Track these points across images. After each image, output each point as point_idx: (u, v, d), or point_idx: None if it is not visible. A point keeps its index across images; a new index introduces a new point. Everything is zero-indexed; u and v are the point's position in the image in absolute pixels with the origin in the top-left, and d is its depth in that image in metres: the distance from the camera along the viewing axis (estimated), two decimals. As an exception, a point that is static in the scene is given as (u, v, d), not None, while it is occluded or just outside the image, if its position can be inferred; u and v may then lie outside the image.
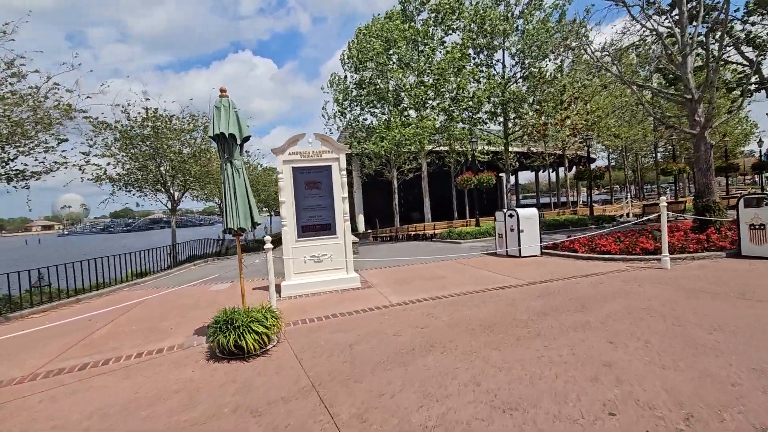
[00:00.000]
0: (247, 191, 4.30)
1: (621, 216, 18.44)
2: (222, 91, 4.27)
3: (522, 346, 3.73)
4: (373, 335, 4.38)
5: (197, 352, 4.30)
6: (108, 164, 11.85)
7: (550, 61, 21.54)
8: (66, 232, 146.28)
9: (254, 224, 4.40)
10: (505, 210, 9.55)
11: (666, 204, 6.84)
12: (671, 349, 3.43)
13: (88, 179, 11.57)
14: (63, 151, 7.63)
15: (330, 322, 5.01)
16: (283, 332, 4.74)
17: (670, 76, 12.23)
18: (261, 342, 4.05)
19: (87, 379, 3.82)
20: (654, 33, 9.34)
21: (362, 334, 4.45)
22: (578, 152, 32.07)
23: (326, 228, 7.00)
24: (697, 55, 10.57)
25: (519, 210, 9.10)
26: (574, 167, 41.08)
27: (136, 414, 3.05)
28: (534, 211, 9.23)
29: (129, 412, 3.10)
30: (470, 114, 21.74)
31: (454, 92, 19.82)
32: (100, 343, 4.91)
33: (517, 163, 28.80)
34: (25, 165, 7.61)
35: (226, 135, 4.13)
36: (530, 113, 21.16)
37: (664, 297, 5.01)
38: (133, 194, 12.72)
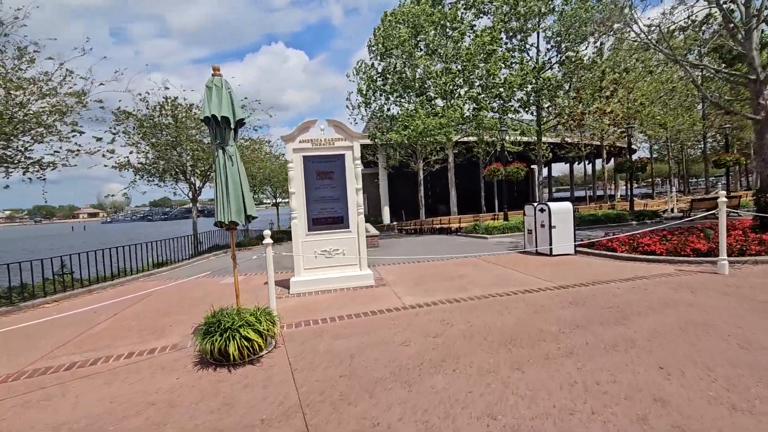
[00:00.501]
0: (241, 181, 3.89)
1: (665, 212, 17.05)
2: (215, 69, 3.85)
3: (550, 368, 3.14)
4: (379, 344, 3.89)
5: (188, 355, 3.97)
6: (130, 153, 11.95)
7: (589, 44, 20.12)
8: (109, 220, 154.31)
9: (248, 218, 3.98)
10: (535, 204, 8.79)
11: (726, 199, 5.93)
12: (741, 381, 2.75)
13: (112, 167, 11.72)
14: (74, 135, 7.54)
15: (335, 326, 4.57)
16: (282, 335, 4.35)
17: (728, 55, 10.93)
18: (252, 348, 3.65)
19: (68, 382, 3.55)
20: (714, 3, 8.21)
21: (367, 341, 3.98)
22: (617, 143, 30.17)
23: (338, 221, 6.55)
24: (762, 32, 9.31)
25: (551, 204, 8.33)
26: (612, 159, 38.90)
27: (102, 430, 2.72)
28: (568, 205, 8.43)
29: (96, 427, 2.77)
30: (501, 102, 20.69)
31: (484, 79, 18.84)
32: (95, 339, 4.69)
33: (550, 155, 27.39)
34: (42, 157, 7.59)
35: (218, 118, 3.72)
36: (566, 101, 19.86)
37: (725, 309, 4.24)
38: (155, 183, 12.80)
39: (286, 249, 7.84)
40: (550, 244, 8.19)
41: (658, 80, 22.22)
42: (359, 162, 6.60)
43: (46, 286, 7.10)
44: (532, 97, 21.09)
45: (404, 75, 19.64)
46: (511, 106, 20.64)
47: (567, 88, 20.60)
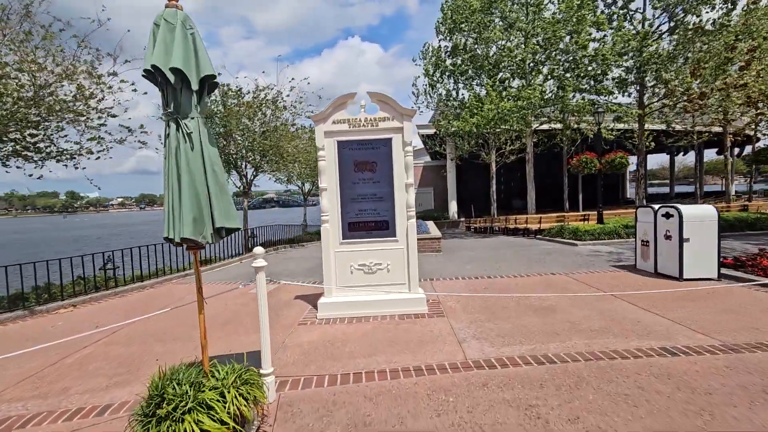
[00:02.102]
0: (208, 175, 2.48)
1: (824, 216, 12.90)
2: (169, -2, 2.45)
3: None
4: (417, 453, 2.27)
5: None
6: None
7: (716, 5, 16.19)
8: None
9: (219, 232, 2.56)
10: (655, 206, 6.45)
11: None
12: None
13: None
14: (103, 125, 6.87)
15: (357, 393, 3.03)
16: (279, 402, 2.92)
17: None
18: (208, 447, 2.24)
19: (-37, 463, 2.45)
20: None
21: (398, 444, 2.38)
22: (746, 129, 24.72)
23: (381, 227, 5.00)
24: None
25: (683, 207, 5.95)
26: (731, 148, 32.40)
27: None
28: (709, 209, 5.98)
29: None
30: (592, 81, 17.47)
31: (571, 52, 15.89)
32: (60, 376, 3.68)
33: (652, 144, 23.14)
34: (77, 144, 7.05)
35: (166, 72, 2.33)
36: (680, 77, 16.12)
37: None
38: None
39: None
40: (681, 263, 5.85)
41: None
42: (411, 149, 4.96)
43: (73, 287, 6.55)
44: (632, 75, 17.61)
45: (475, 53, 17.37)
46: (604, 86, 17.33)
47: (682, 60, 16.78)
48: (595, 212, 12.17)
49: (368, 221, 5.00)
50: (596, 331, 3.99)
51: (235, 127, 10.80)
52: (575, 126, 17.96)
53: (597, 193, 12.93)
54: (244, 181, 12.55)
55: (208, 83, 2.58)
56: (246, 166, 12.29)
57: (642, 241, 6.72)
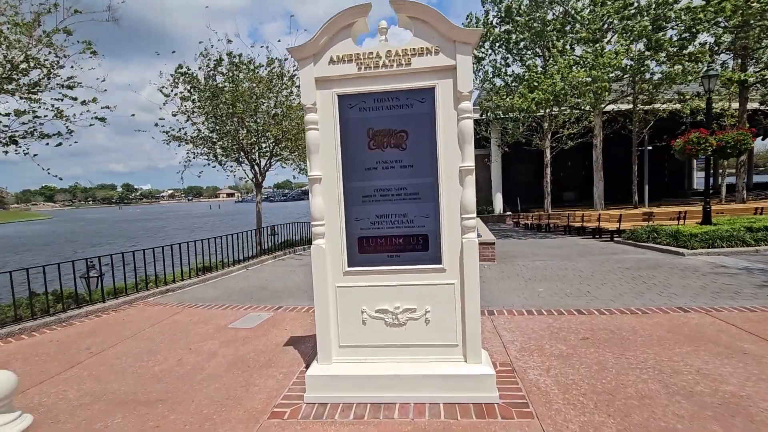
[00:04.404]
0: None
1: None
2: None
3: None
4: None
5: None
6: (185, 125, 9.88)
7: None
8: (241, 200, 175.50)
9: None
10: None
11: None
12: None
13: (163, 140, 9.88)
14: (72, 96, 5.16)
15: None
16: None
17: None
18: None
19: None
20: None
21: None
22: None
23: (417, 245, 2.84)
24: None
25: None
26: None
27: None
28: None
29: None
30: (676, 48, 14.17)
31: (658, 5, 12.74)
32: None
33: (746, 124, 19.31)
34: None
35: None
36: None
37: None
38: (212, 165, 10.58)
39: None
40: None
41: None
42: (470, 106, 2.75)
43: (19, 310, 4.94)
44: (734, 36, 14.16)
45: (531, 18, 14.56)
46: (689, 54, 13.96)
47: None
48: (704, 210, 9.06)
49: (393, 235, 2.86)
50: None
51: (243, 111, 8.94)
52: (662, 105, 14.72)
53: (707, 184, 9.86)
54: (257, 170, 10.76)
55: None
56: (258, 154, 10.48)
57: None
